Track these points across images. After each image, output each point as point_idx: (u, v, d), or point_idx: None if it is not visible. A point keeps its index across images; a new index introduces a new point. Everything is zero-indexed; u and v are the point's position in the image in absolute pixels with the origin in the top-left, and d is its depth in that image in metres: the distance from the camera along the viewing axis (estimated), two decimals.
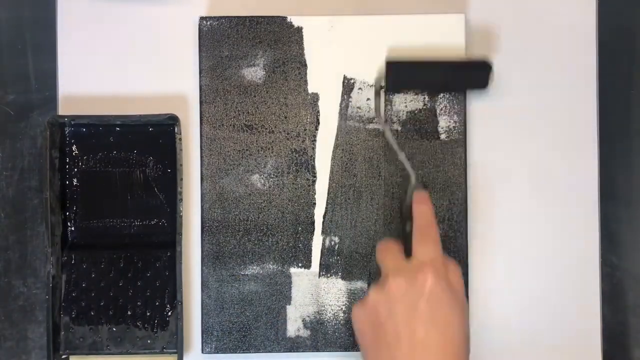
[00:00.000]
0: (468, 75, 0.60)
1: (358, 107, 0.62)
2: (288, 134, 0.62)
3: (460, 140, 0.62)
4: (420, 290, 0.52)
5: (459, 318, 0.53)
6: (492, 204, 0.63)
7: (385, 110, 0.62)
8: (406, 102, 0.62)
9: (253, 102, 0.62)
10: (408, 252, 0.55)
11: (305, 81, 0.62)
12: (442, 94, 0.62)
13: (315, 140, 0.62)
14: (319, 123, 0.62)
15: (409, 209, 0.57)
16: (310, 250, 0.62)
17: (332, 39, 0.62)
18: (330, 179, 0.62)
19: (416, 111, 0.62)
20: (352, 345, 0.61)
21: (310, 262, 0.62)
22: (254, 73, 0.62)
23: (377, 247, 0.58)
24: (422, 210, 0.56)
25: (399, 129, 0.61)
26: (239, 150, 0.62)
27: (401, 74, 0.60)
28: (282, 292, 0.62)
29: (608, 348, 0.63)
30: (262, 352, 0.61)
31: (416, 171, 0.60)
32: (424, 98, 0.62)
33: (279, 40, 0.62)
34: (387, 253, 0.56)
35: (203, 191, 0.62)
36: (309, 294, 0.62)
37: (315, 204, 0.62)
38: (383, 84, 0.60)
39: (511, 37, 0.63)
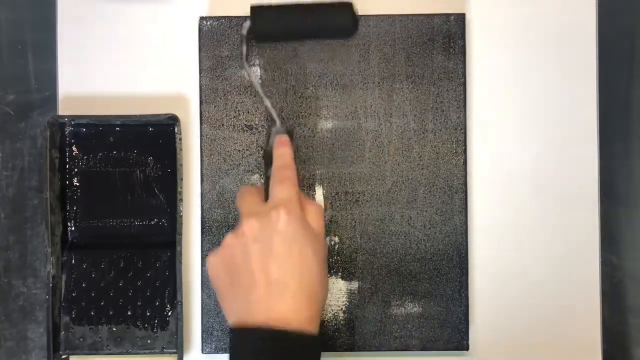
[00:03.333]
0: (332, 18, 0.60)
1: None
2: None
3: (460, 139, 0.62)
4: (273, 228, 0.52)
5: (315, 257, 0.52)
6: (492, 204, 0.63)
7: (249, 56, 0.61)
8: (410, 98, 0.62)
9: (253, 102, 0.62)
10: (269, 197, 0.55)
11: (305, 81, 0.62)
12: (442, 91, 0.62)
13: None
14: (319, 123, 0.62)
15: (271, 154, 0.57)
16: None
17: None
18: (330, 179, 0.62)
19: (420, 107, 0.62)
20: (352, 345, 0.61)
21: None
22: (254, 73, 0.62)
23: (237, 194, 0.58)
24: (282, 152, 0.56)
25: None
26: (239, 150, 0.62)
27: (266, 19, 0.60)
28: None
29: (608, 348, 0.63)
30: None
31: (281, 118, 0.60)
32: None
33: None
34: (245, 198, 0.55)
35: (203, 191, 0.62)
36: None
37: None
38: (249, 30, 0.60)
39: (511, 37, 0.63)
